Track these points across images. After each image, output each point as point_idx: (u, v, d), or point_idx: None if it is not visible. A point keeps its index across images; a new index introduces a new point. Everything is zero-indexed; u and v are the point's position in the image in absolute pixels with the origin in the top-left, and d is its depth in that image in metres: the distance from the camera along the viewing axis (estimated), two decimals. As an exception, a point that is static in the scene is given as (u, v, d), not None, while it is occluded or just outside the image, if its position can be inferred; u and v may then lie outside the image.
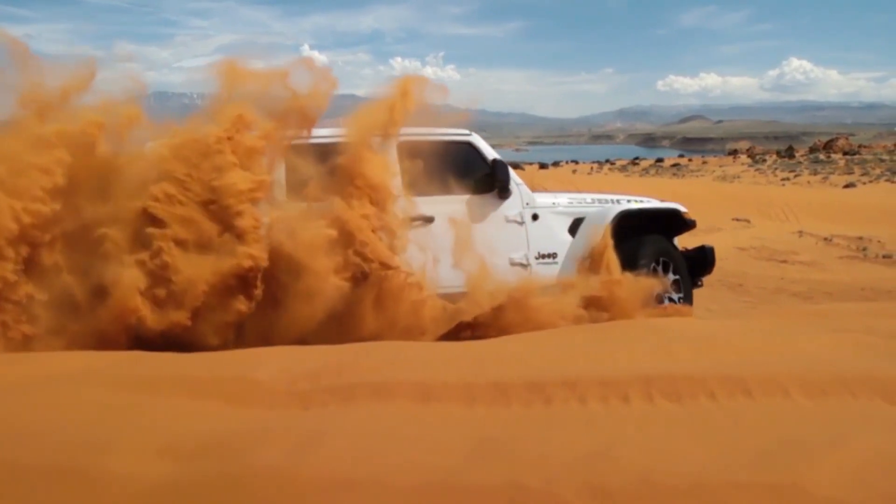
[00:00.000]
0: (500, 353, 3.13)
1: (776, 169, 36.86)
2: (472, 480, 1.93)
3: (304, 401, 2.57)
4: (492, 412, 2.43)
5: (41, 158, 3.91)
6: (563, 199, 5.54)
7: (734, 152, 57.48)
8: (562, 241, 5.33)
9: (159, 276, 3.89)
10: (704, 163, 45.30)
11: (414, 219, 4.72)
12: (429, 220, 4.81)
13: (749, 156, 49.99)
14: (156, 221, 3.91)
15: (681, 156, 60.83)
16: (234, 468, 2.02)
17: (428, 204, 4.81)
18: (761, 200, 17.63)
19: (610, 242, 4.96)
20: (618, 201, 5.52)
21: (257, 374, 2.78)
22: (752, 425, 2.27)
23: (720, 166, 41.52)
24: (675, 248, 5.81)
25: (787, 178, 31.03)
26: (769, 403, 2.44)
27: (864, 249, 11.58)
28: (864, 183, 25.72)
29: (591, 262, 4.98)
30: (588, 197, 5.58)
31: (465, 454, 2.05)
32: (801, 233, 13.45)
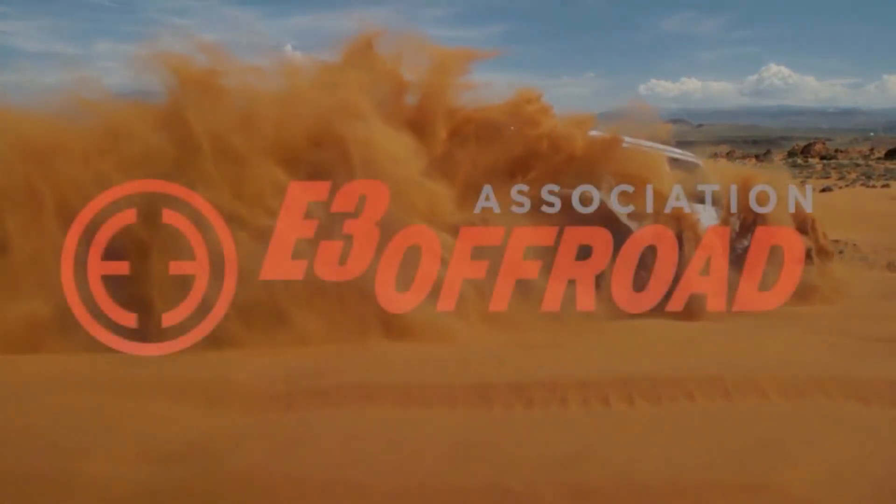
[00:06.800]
0: (481, 355, 3.14)
1: (755, 173, 37.21)
2: (453, 483, 1.93)
3: (283, 403, 2.56)
4: (473, 414, 2.44)
5: None
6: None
7: (714, 156, 58.03)
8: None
9: None
10: (685, 166, 45.69)
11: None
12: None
13: (729, 160, 50.49)
14: None
15: (662, 159, 61.24)
16: (214, 471, 2.01)
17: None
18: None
19: None
20: None
21: (237, 377, 2.76)
22: (730, 426, 2.30)
23: (700, 170, 41.82)
24: None
25: (766, 182, 31.37)
26: (747, 405, 2.47)
27: (841, 252, 11.72)
28: (841, 187, 26.01)
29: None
30: None
31: (446, 457, 2.05)
32: (778, 236, 13.57)
